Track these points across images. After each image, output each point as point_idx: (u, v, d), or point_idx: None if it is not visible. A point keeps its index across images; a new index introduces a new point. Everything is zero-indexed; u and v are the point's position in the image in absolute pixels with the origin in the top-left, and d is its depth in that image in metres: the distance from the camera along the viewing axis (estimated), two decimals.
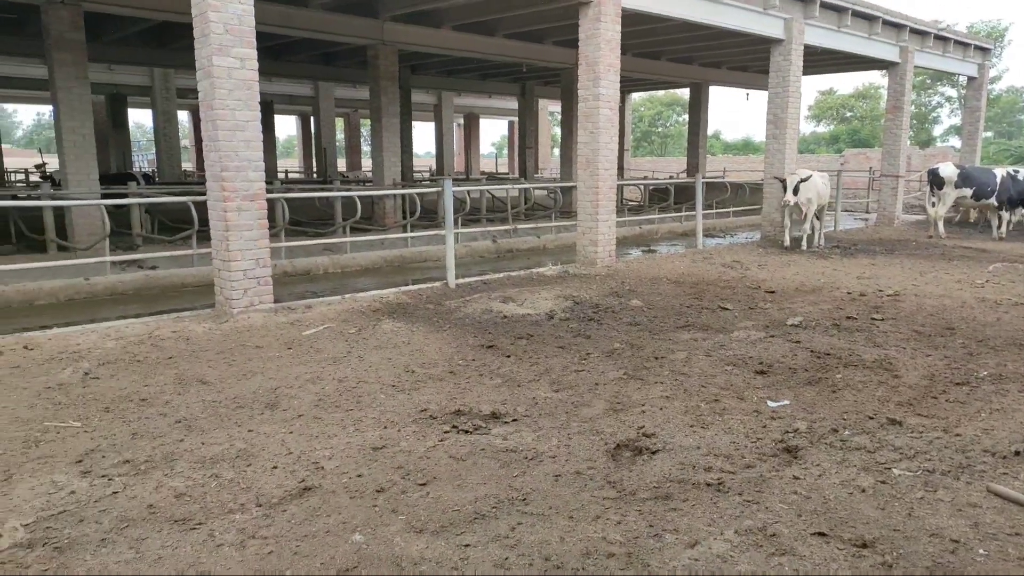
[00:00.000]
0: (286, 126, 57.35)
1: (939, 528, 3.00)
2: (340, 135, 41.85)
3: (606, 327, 6.70)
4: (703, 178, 14.11)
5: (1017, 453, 3.73)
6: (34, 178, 24.90)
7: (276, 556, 2.77)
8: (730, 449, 3.84)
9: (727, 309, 7.42)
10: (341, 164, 36.76)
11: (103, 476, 3.47)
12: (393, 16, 14.80)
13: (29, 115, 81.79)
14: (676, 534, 2.96)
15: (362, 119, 38.50)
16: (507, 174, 36.84)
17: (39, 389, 4.81)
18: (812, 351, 5.72)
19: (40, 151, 32.89)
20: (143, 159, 42.24)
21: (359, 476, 3.50)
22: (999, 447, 3.82)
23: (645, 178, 26.22)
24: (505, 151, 51.79)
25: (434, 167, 35.22)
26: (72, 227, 11.97)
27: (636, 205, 21.09)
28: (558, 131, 39.60)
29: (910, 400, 4.61)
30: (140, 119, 58.90)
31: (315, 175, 30.49)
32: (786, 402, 4.58)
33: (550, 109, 38.22)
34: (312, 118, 31.23)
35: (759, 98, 19.34)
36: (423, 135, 64.06)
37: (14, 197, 14.34)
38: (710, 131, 36.23)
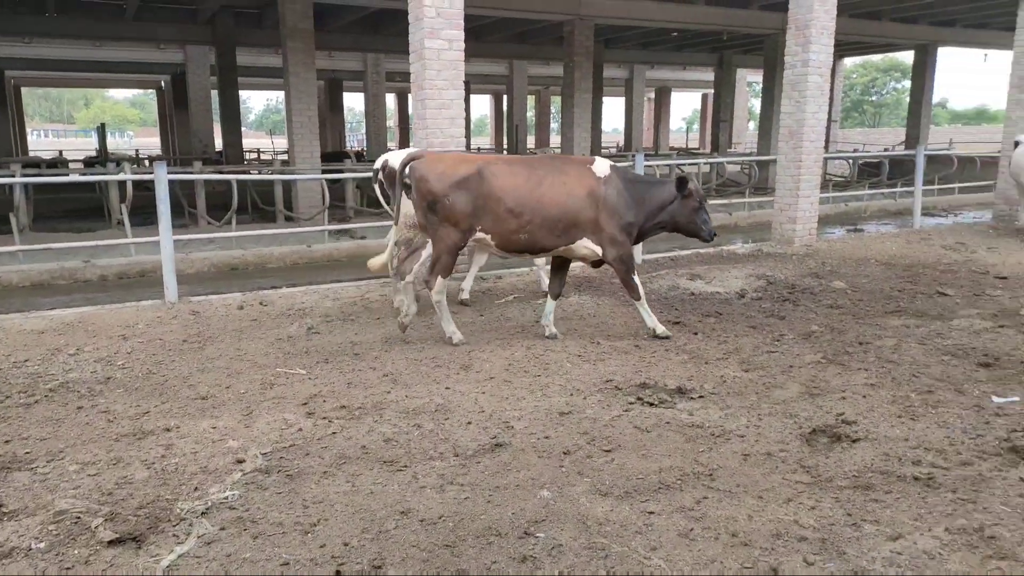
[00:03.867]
0: (479, 105, 59.63)
1: None
2: (530, 112, 42.72)
3: (803, 308, 6.34)
4: (924, 150, 12.71)
5: None
6: (265, 156, 28.03)
7: (471, 502, 2.99)
8: (944, 444, 3.52)
9: (947, 295, 6.70)
10: (531, 141, 37.58)
11: (324, 418, 3.93)
12: None
13: (259, 101, 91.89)
14: (877, 525, 2.79)
15: (552, 96, 38.98)
16: (698, 149, 35.61)
17: (272, 340, 5.50)
18: None
19: (270, 132, 36.96)
20: (354, 139, 46.02)
21: (546, 438, 3.65)
22: None
23: (855, 151, 24.15)
24: (696, 125, 50.00)
25: (621, 143, 34.89)
26: (296, 200, 13.39)
27: (842, 181, 19.49)
28: (754, 104, 37.49)
29: None
30: (350, 103, 64.02)
31: (505, 151, 31.42)
32: (1016, 399, 4.08)
33: (748, 79, 36.25)
34: (505, 96, 32.16)
35: (999, 59, 17.00)
36: (610, 111, 63.43)
37: (248, 173, 16.28)
38: (935, 98, 32.40)
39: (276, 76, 19.13)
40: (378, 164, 6.52)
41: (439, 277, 5.21)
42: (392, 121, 43.17)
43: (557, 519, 2.86)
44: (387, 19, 18.17)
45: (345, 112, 34.07)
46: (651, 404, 4.11)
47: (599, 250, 5.31)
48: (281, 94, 14.80)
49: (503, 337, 5.51)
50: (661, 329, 5.47)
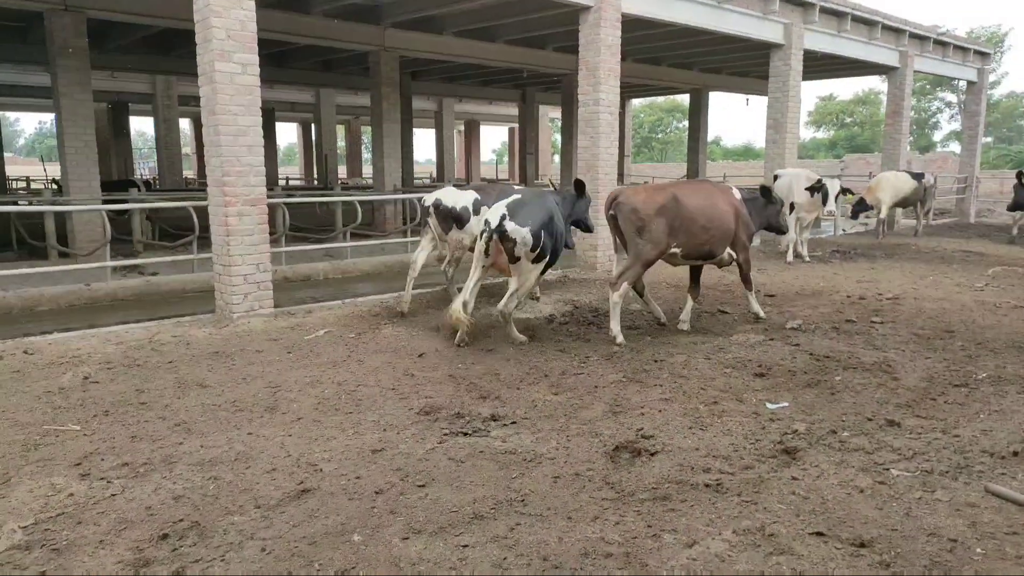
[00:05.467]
0: (287, 133, 57.60)
1: (937, 528, 3.00)
2: (341, 142, 41.96)
3: (606, 331, 6.68)
4: None
5: (1015, 453, 3.74)
6: (36, 185, 24.95)
7: (273, 557, 2.77)
8: (729, 450, 3.84)
9: (726, 313, 7.42)
10: (342, 171, 36.85)
11: (102, 479, 3.48)
12: (395, 23, 14.86)
13: (31, 123, 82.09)
14: (674, 534, 2.96)
15: (363, 126, 38.59)
16: (508, 180, 36.88)
17: (39, 393, 4.82)
18: (811, 354, 5.72)
19: (42, 159, 32.99)
20: (145, 166, 42.37)
21: (358, 478, 3.51)
22: (997, 448, 3.82)
23: (645, 184, 26.20)
24: (506, 158, 51.88)
25: (435, 174, 35.31)
26: (73, 233, 12.00)
27: None
28: (558, 137, 39.65)
29: (909, 402, 4.61)
30: (142, 127, 59.05)
31: (316, 182, 30.57)
32: (785, 404, 4.58)
33: (551, 115, 38.27)
34: (313, 125, 31.31)
35: (759, 103, 19.49)
36: (424, 142, 64.16)
37: (15, 204, 14.38)
38: (710, 137, 36.31)
39: (47, 96, 17.13)
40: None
41: (625, 283, 6.19)
42: (189, 148, 40.33)
43: (368, 564, 2.73)
44: (178, 39, 16.96)
45: (136, 137, 31.30)
46: (465, 434, 4.10)
47: (734, 254, 6.66)
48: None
49: (313, 374, 5.26)
50: (762, 313, 6.98)
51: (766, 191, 7.04)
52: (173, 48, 17.81)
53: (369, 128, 19.33)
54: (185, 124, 37.57)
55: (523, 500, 3.28)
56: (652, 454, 3.79)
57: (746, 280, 6.94)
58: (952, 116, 48.14)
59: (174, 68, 19.32)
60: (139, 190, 15.36)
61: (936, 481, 3.44)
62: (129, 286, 9.84)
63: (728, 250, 6.61)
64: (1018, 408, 4.45)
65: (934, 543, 2.87)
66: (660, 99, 54.26)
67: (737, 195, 6.76)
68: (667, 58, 20.09)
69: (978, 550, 2.82)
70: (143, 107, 26.61)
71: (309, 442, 3.97)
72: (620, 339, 6.12)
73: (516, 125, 34.91)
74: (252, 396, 4.75)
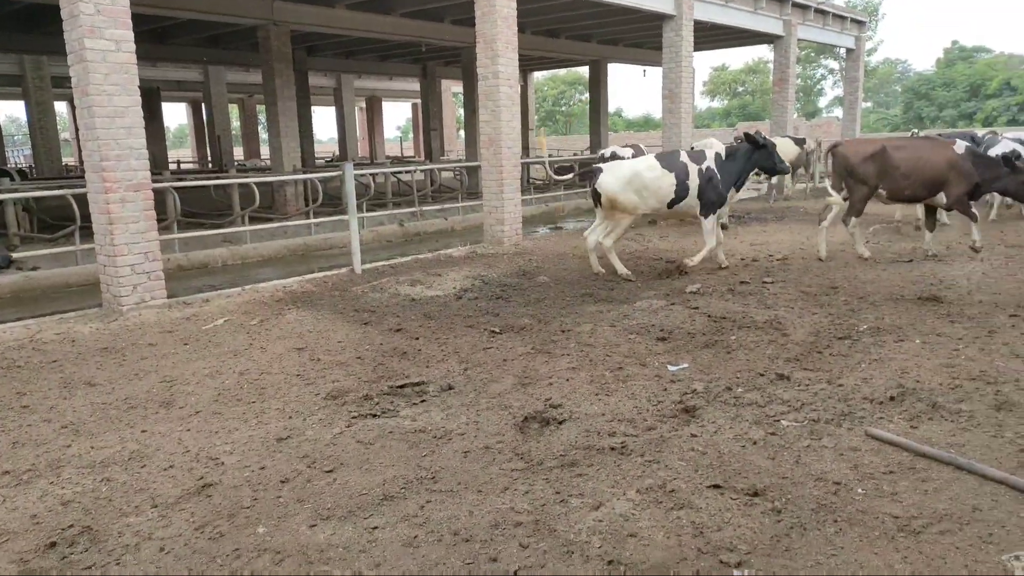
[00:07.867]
0: (177, 114, 54.63)
1: (823, 472, 3.20)
2: (236, 122, 40.14)
3: (514, 304, 6.75)
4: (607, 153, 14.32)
5: (892, 399, 4.03)
6: None
7: (173, 556, 2.67)
8: (633, 414, 3.96)
9: (631, 281, 7.61)
10: (238, 152, 35.36)
11: None
12: None
13: None
14: (581, 498, 3.04)
15: (259, 105, 37.04)
16: (413, 157, 36.39)
17: None
18: (709, 316, 5.96)
19: None
20: (20, 154, 39.24)
21: (262, 469, 3.41)
22: (876, 394, 4.10)
23: (549, 156, 26.43)
24: (411, 134, 51.08)
25: (337, 152, 34.39)
26: None
27: (543, 183, 21.25)
28: (462, 113, 39.36)
29: (797, 356, 4.88)
30: (13, 112, 54.56)
31: (210, 164, 29.20)
32: (685, 365, 4.76)
33: (453, 90, 37.90)
34: (203, 104, 29.82)
35: (656, 75, 19.90)
36: (325, 120, 62.20)
37: None
38: (612, 108, 36.94)
39: None
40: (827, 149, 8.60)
41: (853, 217, 8.02)
42: (68, 133, 37.63)
43: (276, 555, 2.67)
44: (45, 15, 15.74)
45: (7, 123, 28.82)
46: (374, 415, 4.06)
47: (944, 200, 7.70)
48: None
49: (213, 365, 5.06)
50: (979, 241, 7.82)
51: (1008, 161, 7.60)
52: (41, 25, 16.52)
53: (265, 106, 18.54)
54: (62, 107, 35.10)
55: (433, 477, 3.28)
56: (560, 423, 3.87)
57: (968, 216, 7.80)
58: (835, 82, 50.77)
59: (44, 47, 17.94)
60: (12, 179, 14.23)
61: (822, 429, 3.67)
62: (6, 283, 9.15)
63: (940, 197, 7.67)
64: (895, 356, 4.79)
65: (820, 487, 3.07)
66: (562, 72, 54.62)
67: (959, 151, 7.61)
68: (565, 30, 20.22)
69: (859, 491, 3.04)
70: (13, 90, 24.62)
71: (209, 435, 3.83)
72: (868, 255, 8.12)
73: (418, 101, 34.40)
74: (146, 392, 4.53)
